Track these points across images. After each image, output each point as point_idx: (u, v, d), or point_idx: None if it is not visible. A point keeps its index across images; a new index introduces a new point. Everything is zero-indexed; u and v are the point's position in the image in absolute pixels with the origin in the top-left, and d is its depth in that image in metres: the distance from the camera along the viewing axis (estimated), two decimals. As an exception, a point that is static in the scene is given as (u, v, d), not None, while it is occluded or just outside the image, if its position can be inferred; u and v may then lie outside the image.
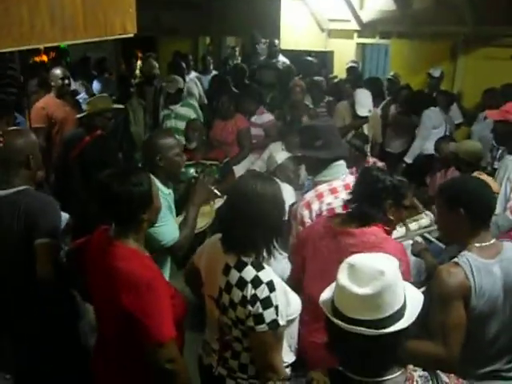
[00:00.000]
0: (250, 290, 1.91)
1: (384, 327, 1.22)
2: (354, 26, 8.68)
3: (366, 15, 8.48)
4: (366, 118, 5.15)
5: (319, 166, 2.81)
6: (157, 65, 7.15)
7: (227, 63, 9.01)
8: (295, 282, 2.48)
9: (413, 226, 3.31)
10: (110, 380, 2.19)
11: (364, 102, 5.08)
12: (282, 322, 1.92)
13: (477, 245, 2.21)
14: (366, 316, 1.22)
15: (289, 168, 3.84)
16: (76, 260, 2.33)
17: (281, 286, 1.98)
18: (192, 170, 4.19)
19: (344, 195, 2.69)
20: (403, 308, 1.26)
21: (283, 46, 8.40)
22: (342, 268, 1.31)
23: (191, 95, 6.86)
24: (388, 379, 1.25)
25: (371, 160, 4.87)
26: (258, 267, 1.96)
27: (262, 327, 1.90)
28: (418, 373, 1.33)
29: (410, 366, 1.33)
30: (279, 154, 3.93)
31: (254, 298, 1.90)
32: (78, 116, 4.74)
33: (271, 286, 1.92)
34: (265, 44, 8.10)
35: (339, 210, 2.65)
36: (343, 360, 1.30)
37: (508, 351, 2.28)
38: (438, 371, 1.36)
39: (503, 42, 7.06)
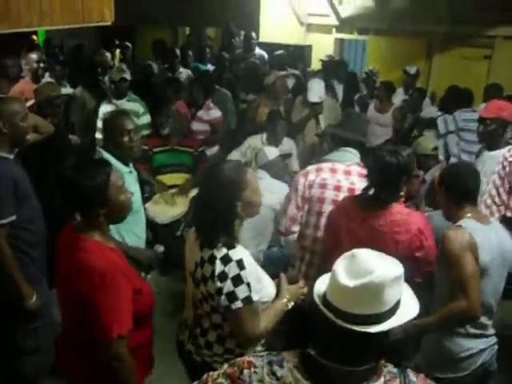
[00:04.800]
0: (218, 266, 1.96)
1: (358, 324, 1.23)
2: (332, 21, 8.76)
3: (345, 11, 8.57)
4: (317, 104, 5.06)
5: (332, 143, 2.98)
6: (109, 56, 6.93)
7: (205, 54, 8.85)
8: (328, 256, 2.49)
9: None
10: (74, 369, 2.15)
11: (315, 89, 5.04)
12: (255, 298, 1.99)
13: (469, 215, 2.45)
14: (347, 308, 1.24)
15: (278, 165, 3.96)
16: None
17: (253, 267, 2.04)
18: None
19: (341, 177, 2.82)
20: (388, 312, 1.26)
21: (262, 39, 8.41)
22: (345, 256, 1.31)
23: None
24: (358, 370, 1.26)
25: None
26: (229, 246, 2.01)
27: (237, 304, 1.95)
28: (387, 368, 1.34)
29: (382, 361, 1.34)
30: (270, 150, 4.01)
31: (223, 274, 1.95)
32: (27, 105, 4.32)
33: (241, 264, 1.97)
34: (242, 36, 8.00)
35: (330, 188, 2.82)
36: (319, 346, 1.31)
37: (491, 313, 2.47)
38: (408, 370, 1.37)
39: (477, 42, 7.22)
